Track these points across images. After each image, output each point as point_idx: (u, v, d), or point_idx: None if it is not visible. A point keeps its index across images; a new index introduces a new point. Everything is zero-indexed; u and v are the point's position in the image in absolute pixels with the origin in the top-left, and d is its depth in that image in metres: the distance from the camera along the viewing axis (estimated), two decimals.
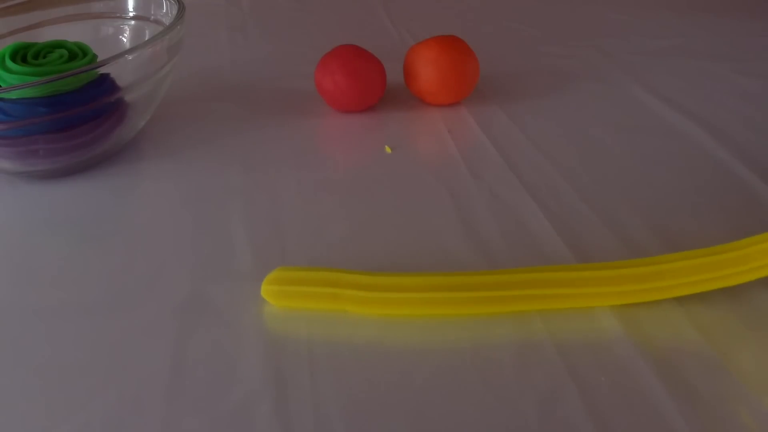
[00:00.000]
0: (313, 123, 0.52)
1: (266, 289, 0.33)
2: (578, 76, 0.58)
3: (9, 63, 0.43)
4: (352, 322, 0.33)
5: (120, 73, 0.44)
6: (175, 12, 0.48)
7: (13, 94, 0.41)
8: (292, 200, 0.42)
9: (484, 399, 0.28)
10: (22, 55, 0.44)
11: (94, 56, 0.46)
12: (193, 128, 0.51)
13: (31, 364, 0.31)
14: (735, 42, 0.64)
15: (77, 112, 0.43)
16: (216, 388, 0.29)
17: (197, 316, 0.33)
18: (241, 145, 0.49)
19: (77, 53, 0.45)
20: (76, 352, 0.32)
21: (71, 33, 0.50)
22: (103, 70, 0.43)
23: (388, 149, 0.47)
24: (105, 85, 0.44)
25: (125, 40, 0.54)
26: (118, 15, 0.54)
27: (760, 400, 0.28)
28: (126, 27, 0.54)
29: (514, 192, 0.42)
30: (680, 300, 0.32)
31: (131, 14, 0.54)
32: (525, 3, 0.77)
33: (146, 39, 0.49)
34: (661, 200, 0.41)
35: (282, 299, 0.33)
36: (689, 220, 0.39)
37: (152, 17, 0.53)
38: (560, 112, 0.52)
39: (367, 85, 0.51)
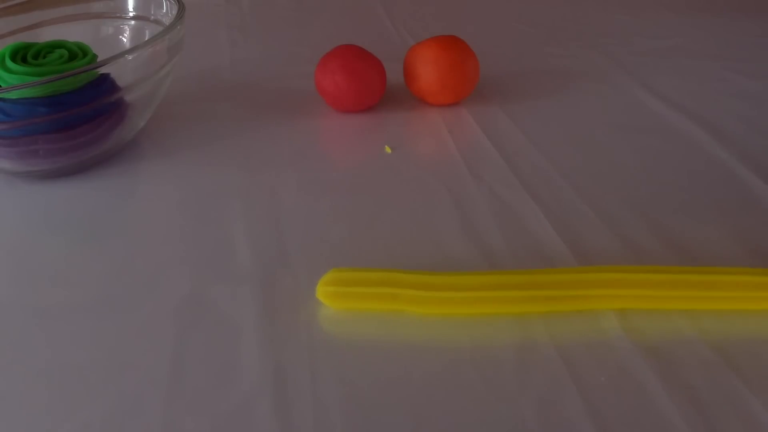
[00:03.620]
0: (313, 123, 0.52)
1: (322, 291, 0.33)
2: (579, 76, 0.58)
3: (9, 63, 0.43)
4: (351, 320, 0.33)
5: (120, 73, 0.44)
6: (175, 12, 0.48)
7: (13, 94, 0.41)
8: (292, 200, 0.42)
9: (484, 398, 0.28)
10: (22, 55, 0.44)
11: (94, 56, 0.46)
12: (193, 128, 0.51)
13: (31, 364, 0.31)
14: (735, 42, 0.64)
15: (77, 112, 0.43)
16: (216, 388, 0.29)
17: (197, 316, 0.33)
18: (241, 145, 0.49)
19: (77, 53, 0.45)
20: (76, 352, 0.32)
21: (71, 33, 0.50)
22: (103, 70, 0.43)
23: (388, 149, 0.47)
24: (105, 85, 0.44)
25: (125, 40, 0.54)
26: (118, 15, 0.54)
27: (760, 400, 0.28)
28: (126, 27, 0.54)
29: (514, 192, 0.42)
30: None
31: (131, 14, 0.54)
32: (525, 3, 0.77)
33: (146, 39, 0.49)
34: (660, 200, 0.41)
35: (338, 300, 0.33)
36: (689, 220, 0.39)
37: (152, 17, 0.53)
38: (560, 112, 0.52)
39: (367, 85, 0.51)
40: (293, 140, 0.49)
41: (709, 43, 0.64)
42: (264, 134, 0.50)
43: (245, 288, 0.35)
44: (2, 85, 0.43)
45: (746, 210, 0.40)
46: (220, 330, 0.32)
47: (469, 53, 0.51)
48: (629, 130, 0.49)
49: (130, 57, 0.42)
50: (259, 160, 0.47)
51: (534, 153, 0.46)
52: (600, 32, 0.67)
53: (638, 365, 0.29)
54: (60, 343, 0.32)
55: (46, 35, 0.51)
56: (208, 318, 0.33)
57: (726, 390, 0.28)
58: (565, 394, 0.28)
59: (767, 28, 0.67)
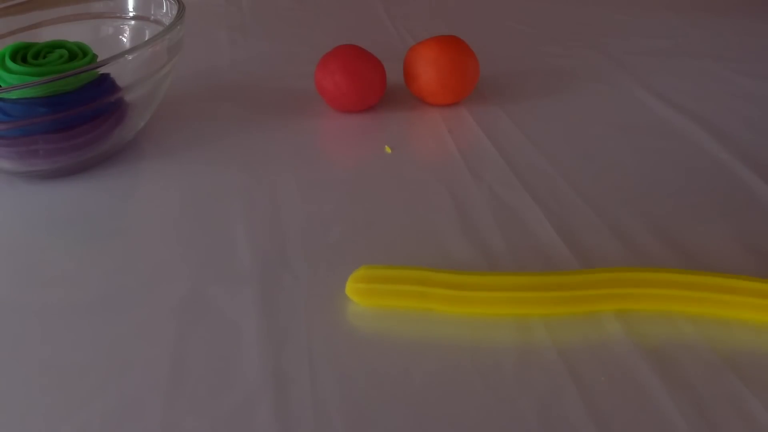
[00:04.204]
0: (313, 123, 0.52)
1: (352, 287, 0.33)
2: (578, 76, 0.58)
3: (9, 63, 0.43)
4: (351, 318, 0.33)
5: (120, 73, 0.44)
6: (175, 12, 0.48)
7: (13, 94, 0.41)
8: (292, 200, 0.42)
9: (485, 398, 0.28)
10: (22, 55, 0.44)
11: (94, 56, 0.46)
12: (193, 128, 0.51)
13: (31, 363, 0.31)
14: (735, 42, 0.64)
15: (77, 112, 0.43)
16: (216, 388, 0.29)
17: (197, 316, 0.33)
18: (241, 145, 0.49)
19: (77, 53, 0.45)
20: (76, 352, 0.32)
21: (71, 33, 0.50)
22: (103, 70, 0.43)
23: (388, 149, 0.47)
24: (105, 85, 0.44)
25: (125, 40, 0.54)
26: (118, 15, 0.54)
27: (761, 401, 0.28)
28: (126, 27, 0.54)
29: (514, 192, 0.42)
30: None
31: (131, 14, 0.54)
32: (525, 3, 0.77)
33: (146, 39, 0.49)
34: (660, 199, 0.41)
35: (368, 297, 0.33)
36: (689, 220, 0.39)
37: (152, 17, 0.53)
38: (560, 112, 0.52)
39: (367, 85, 0.51)
40: (293, 140, 0.49)
41: (709, 43, 0.64)
42: (264, 134, 0.50)
43: (245, 288, 0.35)
44: (2, 85, 0.43)
45: (747, 210, 0.40)
46: (220, 330, 0.32)
47: (469, 53, 0.51)
48: (629, 130, 0.49)
49: (130, 57, 0.42)
50: (259, 160, 0.47)
51: (534, 153, 0.46)
52: (600, 32, 0.67)
53: (639, 367, 0.29)
54: (60, 343, 0.32)
55: (46, 35, 0.51)
56: (208, 318, 0.33)
57: (727, 391, 0.28)
58: (565, 395, 0.28)
59: (766, 28, 0.67)
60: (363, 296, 0.33)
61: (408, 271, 0.33)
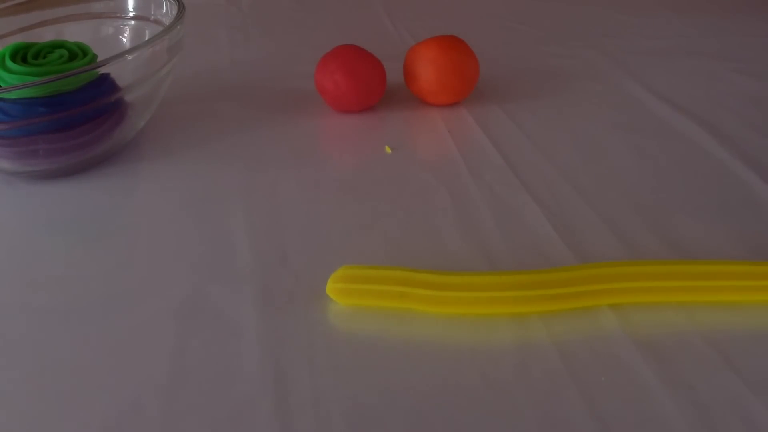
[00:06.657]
0: (313, 123, 0.52)
1: (332, 287, 0.33)
2: (578, 76, 0.58)
3: (9, 63, 0.43)
4: (351, 319, 0.33)
5: (120, 73, 0.44)
6: (175, 12, 0.48)
7: (13, 94, 0.41)
8: (292, 200, 0.42)
9: (484, 397, 0.28)
10: (22, 55, 0.44)
11: (94, 56, 0.46)
12: (193, 128, 0.51)
13: (31, 364, 0.31)
14: (735, 42, 0.64)
15: (77, 112, 0.43)
16: (216, 388, 0.29)
17: (197, 316, 0.33)
18: (241, 145, 0.49)
19: (77, 53, 0.45)
20: (76, 352, 0.32)
21: (71, 33, 0.50)
22: (103, 70, 0.43)
23: (388, 149, 0.47)
24: (105, 85, 0.44)
25: (125, 40, 0.54)
26: (118, 15, 0.54)
27: (756, 395, 0.28)
28: (126, 27, 0.54)
29: (514, 192, 0.42)
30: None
31: (131, 14, 0.54)
32: (525, 3, 0.77)
33: (146, 39, 0.49)
34: (660, 199, 0.41)
35: (348, 297, 0.33)
36: (689, 219, 0.39)
37: (152, 17, 0.53)
38: (560, 112, 0.52)
39: (367, 85, 0.51)
40: (293, 140, 0.49)
41: (710, 43, 0.64)
42: (264, 134, 0.50)
43: (245, 288, 0.35)
44: (2, 85, 0.43)
45: (746, 210, 0.40)
46: (220, 330, 0.32)
47: (469, 53, 0.51)
48: (629, 130, 0.49)
49: (130, 57, 0.42)
50: (259, 160, 0.47)
51: (534, 153, 0.46)
52: (600, 32, 0.67)
53: (637, 362, 0.29)
54: (60, 343, 0.32)
55: (46, 35, 0.51)
56: (208, 318, 0.33)
57: (722, 385, 0.28)
58: (564, 392, 0.28)
59: (767, 28, 0.67)
60: (343, 296, 0.33)
61: (387, 271, 0.33)
